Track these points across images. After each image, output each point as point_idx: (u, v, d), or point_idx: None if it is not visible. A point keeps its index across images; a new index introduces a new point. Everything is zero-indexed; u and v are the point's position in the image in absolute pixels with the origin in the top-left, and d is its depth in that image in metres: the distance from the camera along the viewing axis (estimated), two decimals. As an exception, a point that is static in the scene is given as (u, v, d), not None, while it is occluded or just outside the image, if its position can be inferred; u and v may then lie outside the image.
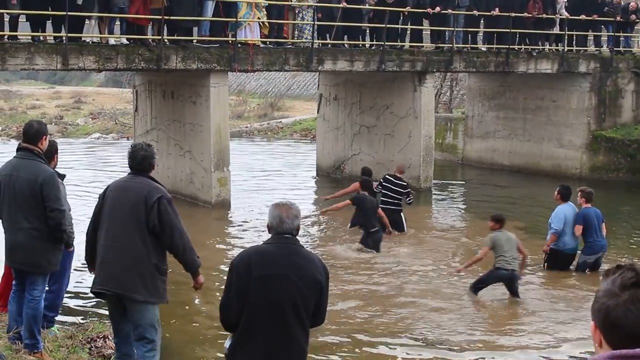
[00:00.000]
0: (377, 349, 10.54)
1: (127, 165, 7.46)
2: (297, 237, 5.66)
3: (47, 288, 8.34)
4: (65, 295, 12.20)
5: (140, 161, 7.24)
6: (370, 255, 15.03)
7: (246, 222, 18.35)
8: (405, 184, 17.28)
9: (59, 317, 10.41)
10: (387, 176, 17.22)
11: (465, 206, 21.68)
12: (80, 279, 13.29)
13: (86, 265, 14.10)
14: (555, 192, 14.29)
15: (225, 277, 12.50)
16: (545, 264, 14.31)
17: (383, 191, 16.86)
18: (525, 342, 10.82)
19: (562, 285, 13.60)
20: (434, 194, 22.50)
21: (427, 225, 18.35)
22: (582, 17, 24.79)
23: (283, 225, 5.58)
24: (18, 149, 7.98)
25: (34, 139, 7.87)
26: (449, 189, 24.19)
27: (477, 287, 12.64)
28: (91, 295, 11.86)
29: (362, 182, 16.40)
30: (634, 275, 2.48)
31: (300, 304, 5.45)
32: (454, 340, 10.79)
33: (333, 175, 25.28)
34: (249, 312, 5.41)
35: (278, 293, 5.42)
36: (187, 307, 11.88)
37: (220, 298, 5.66)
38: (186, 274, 7.62)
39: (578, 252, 14.21)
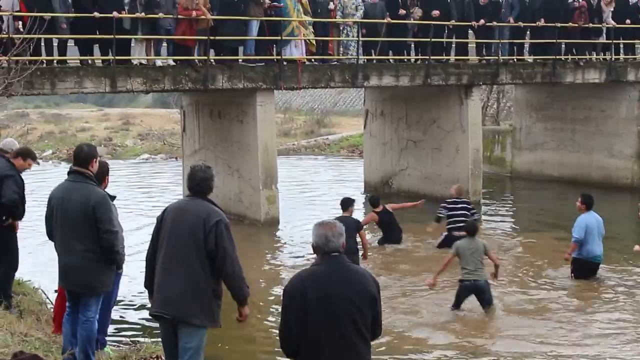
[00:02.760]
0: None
1: (187, 187, 7.39)
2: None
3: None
4: (120, 315, 12.35)
5: (199, 182, 7.09)
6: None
7: (295, 239, 18.36)
8: (469, 201, 17.71)
9: (112, 338, 10.50)
10: (448, 200, 17.11)
11: (514, 219, 21.46)
12: (134, 298, 13.41)
13: (139, 285, 14.24)
14: (580, 202, 14.23)
15: (275, 296, 12.56)
16: (572, 274, 14.28)
17: (450, 213, 16.73)
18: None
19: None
20: (483, 208, 22.33)
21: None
22: (627, 22, 24.45)
23: (329, 244, 5.60)
24: (69, 172, 8.07)
25: (85, 162, 7.96)
26: (499, 202, 23.96)
27: (455, 304, 12.38)
28: (144, 314, 12.02)
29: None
30: None
31: (359, 320, 5.50)
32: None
33: (381, 191, 25.20)
34: (311, 335, 5.45)
35: (337, 312, 5.46)
36: (240, 329, 11.84)
37: (275, 319, 5.70)
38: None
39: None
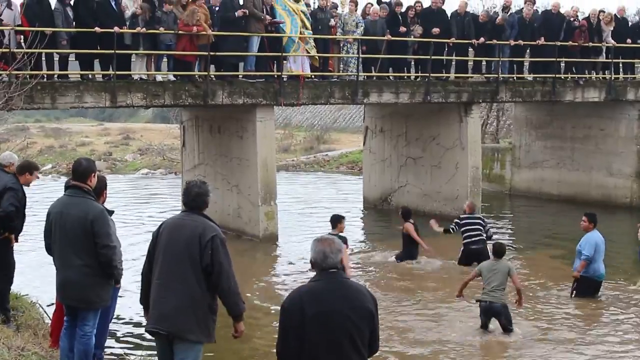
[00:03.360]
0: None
1: (182, 202, 7.39)
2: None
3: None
4: (115, 330, 12.32)
5: (194, 198, 7.12)
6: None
7: (294, 255, 18.33)
8: (482, 217, 17.50)
9: (109, 353, 10.48)
10: (461, 216, 17.07)
11: (513, 237, 21.44)
12: (130, 313, 13.38)
13: (135, 300, 14.21)
14: (586, 221, 14.18)
15: (273, 311, 12.52)
16: (574, 291, 14.27)
17: (464, 228, 16.72)
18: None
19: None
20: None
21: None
22: (628, 41, 24.55)
23: (327, 260, 5.62)
24: (68, 187, 8.08)
25: (83, 177, 7.97)
26: (497, 220, 23.95)
27: (482, 325, 12.19)
28: (141, 329, 12.00)
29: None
30: None
31: (357, 336, 5.53)
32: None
33: (380, 208, 25.22)
34: (308, 351, 5.48)
35: (335, 329, 5.49)
36: (237, 344, 11.78)
37: (272, 335, 5.69)
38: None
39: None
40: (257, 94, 19.39)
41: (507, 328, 12.00)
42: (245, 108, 19.60)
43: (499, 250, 12.29)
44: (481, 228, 16.73)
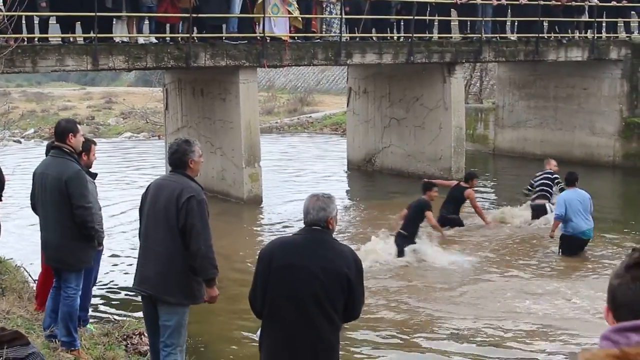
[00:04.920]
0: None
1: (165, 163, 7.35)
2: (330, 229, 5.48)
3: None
4: (102, 292, 12.35)
5: (175, 157, 6.95)
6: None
7: (278, 217, 18.38)
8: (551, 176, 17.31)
9: (95, 314, 10.52)
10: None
11: (496, 197, 21.57)
12: (115, 276, 13.41)
13: (121, 262, 14.24)
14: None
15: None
16: (560, 250, 14.48)
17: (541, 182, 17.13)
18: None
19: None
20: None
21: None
22: (613, 3, 24.56)
23: (308, 216, 5.48)
24: (52, 147, 8.07)
25: (61, 137, 7.93)
26: (481, 180, 24.00)
27: None
28: (126, 292, 12.06)
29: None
30: (639, 256, 2.50)
31: (323, 297, 5.29)
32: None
33: (364, 169, 25.25)
34: (270, 302, 5.37)
35: (297, 283, 5.31)
36: (228, 304, 11.82)
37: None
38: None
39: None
40: (240, 55, 19.30)
41: None
42: (228, 70, 19.52)
43: None
44: (546, 188, 16.95)
